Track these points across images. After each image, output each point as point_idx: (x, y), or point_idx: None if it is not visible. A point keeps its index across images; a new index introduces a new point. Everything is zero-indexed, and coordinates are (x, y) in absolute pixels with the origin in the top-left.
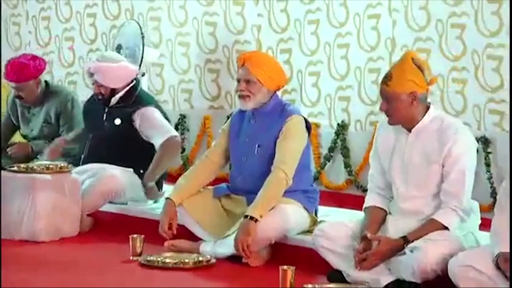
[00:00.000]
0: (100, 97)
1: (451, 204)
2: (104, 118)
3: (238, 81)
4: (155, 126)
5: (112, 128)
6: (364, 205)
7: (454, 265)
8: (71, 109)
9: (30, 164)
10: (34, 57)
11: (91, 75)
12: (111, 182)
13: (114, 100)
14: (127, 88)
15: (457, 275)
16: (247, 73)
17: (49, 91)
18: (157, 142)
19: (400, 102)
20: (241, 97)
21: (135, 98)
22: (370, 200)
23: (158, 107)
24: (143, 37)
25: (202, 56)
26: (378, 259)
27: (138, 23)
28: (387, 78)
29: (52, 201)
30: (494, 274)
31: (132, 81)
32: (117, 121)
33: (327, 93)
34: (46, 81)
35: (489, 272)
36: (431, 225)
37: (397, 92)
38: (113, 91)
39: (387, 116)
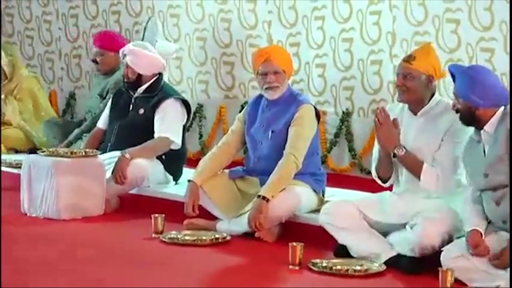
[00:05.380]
0: (126, 80)
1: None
2: (130, 108)
3: (265, 74)
4: (164, 119)
5: (136, 117)
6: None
7: (446, 258)
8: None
9: (59, 149)
10: (123, 37)
11: (124, 56)
12: (136, 170)
13: (140, 90)
14: (153, 79)
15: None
16: (274, 66)
17: (118, 68)
18: (156, 132)
19: (419, 81)
20: (270, 88)
21: (159, 89)
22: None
23: (180, 97)
24: (145, 28)
25: (217, 49)
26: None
27: (148, 19)
28: (411, 58)
29: (73, 183)
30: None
31: (157, 74)
32: (141, 111)
33: (333, 83)
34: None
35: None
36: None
37: (419, 71)
38: (139, 78)
39: (401, 92)
